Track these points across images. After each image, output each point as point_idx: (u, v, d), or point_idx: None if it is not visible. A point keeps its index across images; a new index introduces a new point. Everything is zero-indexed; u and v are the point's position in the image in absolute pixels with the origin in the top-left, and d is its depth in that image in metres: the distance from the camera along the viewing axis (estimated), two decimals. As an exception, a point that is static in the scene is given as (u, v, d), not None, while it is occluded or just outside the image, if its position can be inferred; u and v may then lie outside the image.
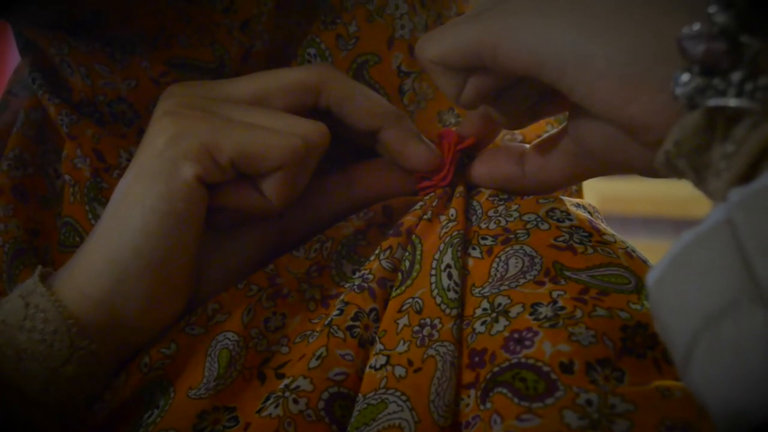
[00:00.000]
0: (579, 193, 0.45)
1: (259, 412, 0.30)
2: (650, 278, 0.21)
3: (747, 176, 0.20)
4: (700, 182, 0.23)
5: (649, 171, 0.28)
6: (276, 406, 0.29)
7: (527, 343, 0.27)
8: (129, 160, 0.37)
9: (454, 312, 0.30)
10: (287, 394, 0.29)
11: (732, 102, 0.20)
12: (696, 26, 0.22)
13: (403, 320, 0.31)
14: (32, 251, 0.38)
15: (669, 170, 0.23)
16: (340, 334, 0.31)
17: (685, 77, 0.22)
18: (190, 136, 0.30)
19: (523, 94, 0.31)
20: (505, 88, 0.31)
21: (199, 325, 0.33)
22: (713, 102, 0.21)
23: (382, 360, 0.30)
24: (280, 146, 0.31)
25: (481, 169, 0.35)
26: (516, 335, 0.27)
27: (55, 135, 0.40)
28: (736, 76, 0.21)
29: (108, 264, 0.30)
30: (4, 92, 0.44)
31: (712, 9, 0.21)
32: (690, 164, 0.22)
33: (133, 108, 0.36)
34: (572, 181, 0.34)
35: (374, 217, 0.35)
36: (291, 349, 0.33)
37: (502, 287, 0.30)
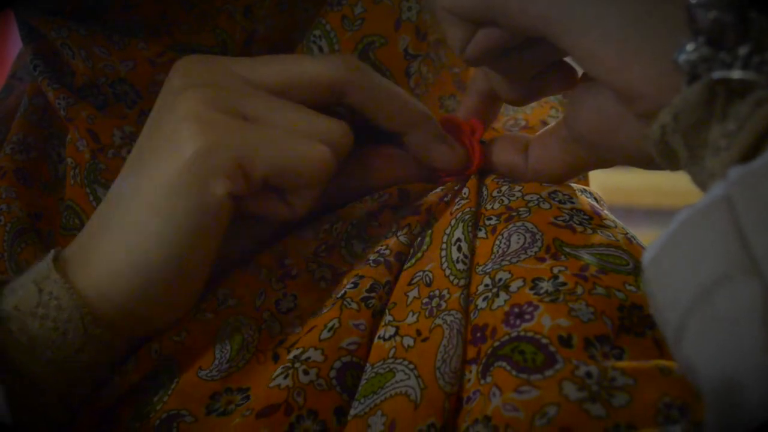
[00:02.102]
0: (585, 180, 0.44)
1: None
2: (646, 257, 0.21)
3: (747, 155, 0.20)
4: (691, 161, 0.22)
5: (640, 159, 0.29)
6: (285, 377, 0.29)
7: (527, 317, 0.27)
8: (123, 139, 0.36)
9: (462, 282, 0.30)
10: (297, 365, 0.29)
11: (737, 74, 0.20)
12: None
13: (413, 293, 0.31)
14: (34, 233, 0.38)
15: (660, 148, 0.23)
16: (354, 306, 0.31)
17: (691, 46, 0.22)
18: (223, 152, 0.29)
19: (527, 59, 0.31)
20: (511, 50, 0.31)
21: (210, 311, 0.32)
22: (718, 74, 0.21)
23: (391, 331, 0.30)
24: (314, 164, 0.30)
25: (486, 155, 0.36)
26: (516, 309, 0.28)
27: (58, 120, 0.40)
28: (743, 50, 0.21)
29: (131, 270, 0.30)
30: (8, 76, 0.44)
31: None
32: (685, 141, 0.22)
33: (134, 89, 0.36)
34: (571, 173, 0.34)
35: (389, 200, 0.35)
36: (304, 328, 0.33)
37: (504, 262, 0.30)
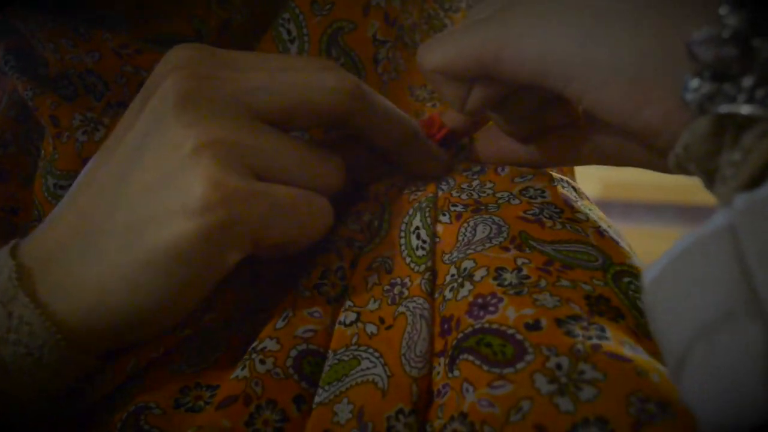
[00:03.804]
0: (570, 170, 0.44)
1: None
2: (647, 276, 0.20)
3: (753, 184, 0.20)
4: (709, 185, 0.22)
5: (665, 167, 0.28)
6: (243, 369, 0.28)
7: (491, 308, 0.27)
8: (82, 122, 0.36)
9: (422, 267, 0.30)
10: (254, 355, 0.29)
11: (742, 109, 0.20)
12: (706, 30, 0.21)
13: (373, 278, 0.31)
14: (9, 226, 0.37)
15: (681, 171, 0.23)
16: (308, 293, 0.31)
17: (695, 83, 0.21)
18: (241, 227, 0.28)
19: (527, 99, 0.31)
20: (511, 93, 0.30)
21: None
22: (723, 109, 0.20)
23: (352, 317, 0.30)
24: (318, 226, 0.30)
25: (487, 148, 0.35)
26: (480, 300, 0.27)
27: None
28: (747, 82, 0.20)
29: (117, 314, 0.28)
30: (-6, 72, 0.44)
31: (723, 10, 0.21)
32: (699, 168, 0.22)
33: (102, 80, 0.36)
34: (577, 164, 0.34)
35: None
36: None
37: (468, 251, 0.30)
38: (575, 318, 0.26)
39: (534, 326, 0.25)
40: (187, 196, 0.27)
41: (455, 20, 0.42)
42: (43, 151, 0.37)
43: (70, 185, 0.34)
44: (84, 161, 0.35)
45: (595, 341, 0.25)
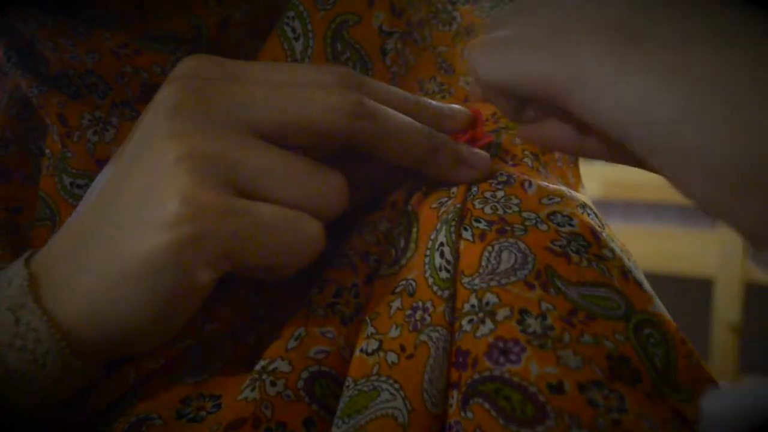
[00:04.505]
0: (575, 169, 0.43)
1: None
2: (708, 404, 0.19)
3: None
4: None
5: None
6: (252, 390, 0.28)
7: (513, 357, 0.26)
8: (91, 122, 0.36)
9: (446, 293, 0.29)
10: (264, 376, 0.28)
11: None
12: None
13: (396, 303, 0.30)
14: (12, 226, 0.37)
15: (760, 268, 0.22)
16: (321, 312, 0.30)
17: None
18: (212, 243, 0.27)
19: None
20: None
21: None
22: None
23: (374, 345, 0.29)
24: (304, 251, 0.29)
25: (533, 130, 0.32)
26: (501, 344, 0.27)
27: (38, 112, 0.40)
28: None
29: (112, 323, 0.29)
30: (-6, 72, 0.44)
31: None
32: None
33: (103, 80, 0.36)
34: (635, 165, 0.31)
35: (361, 199, 0.34)
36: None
37: (492, 282, 0.29)
38: (597, 384, 0.25)
39: (557, 389, 0.25)
40: (161, 209, 0.27)
41: (464, 12, 0.41)
42: (48, 150, 0.37)
43: (87, 184, 0.35)
44: (97, 162, 0.35)
45: (615, 415, 0.25)
